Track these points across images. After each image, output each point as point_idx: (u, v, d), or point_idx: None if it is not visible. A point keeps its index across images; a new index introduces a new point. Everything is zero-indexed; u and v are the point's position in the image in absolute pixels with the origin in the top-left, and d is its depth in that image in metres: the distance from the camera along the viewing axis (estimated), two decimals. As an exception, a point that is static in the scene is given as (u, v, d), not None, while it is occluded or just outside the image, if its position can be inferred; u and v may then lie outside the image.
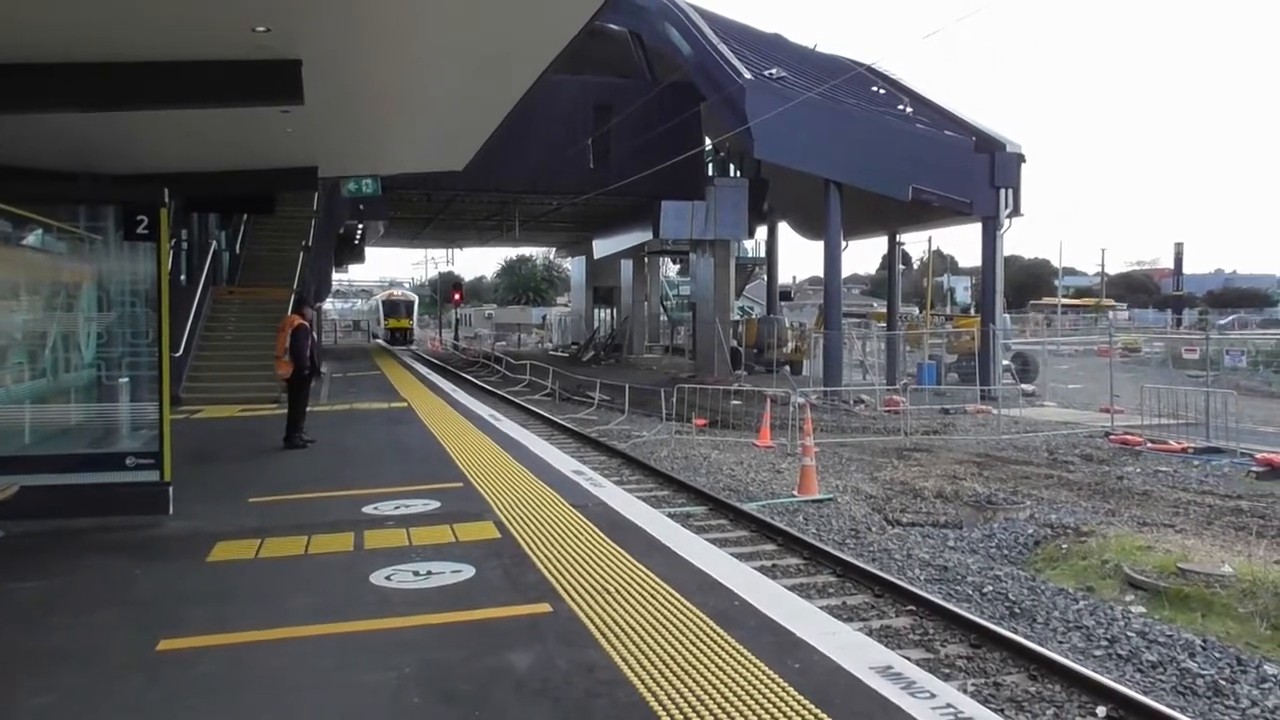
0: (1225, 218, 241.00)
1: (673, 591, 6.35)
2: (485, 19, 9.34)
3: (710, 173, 43.16)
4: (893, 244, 42.26)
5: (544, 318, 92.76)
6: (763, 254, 55.42)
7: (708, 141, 41.24)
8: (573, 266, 74.40)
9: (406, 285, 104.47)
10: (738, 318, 49.04)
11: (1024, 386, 32.42)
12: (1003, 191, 32.53)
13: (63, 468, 9.06)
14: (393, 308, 79.56)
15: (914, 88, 38.13)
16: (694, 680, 4.88)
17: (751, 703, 4.64)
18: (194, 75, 9.58)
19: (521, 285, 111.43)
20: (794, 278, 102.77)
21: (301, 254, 24.97)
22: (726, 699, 4.68)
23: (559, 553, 7.44)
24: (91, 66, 9.26)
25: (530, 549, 7.57)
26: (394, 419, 17.03)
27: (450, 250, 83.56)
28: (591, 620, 5.81)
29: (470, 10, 8.98)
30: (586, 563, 7.13)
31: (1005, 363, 34.37)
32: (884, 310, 46.52)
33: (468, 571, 6.96)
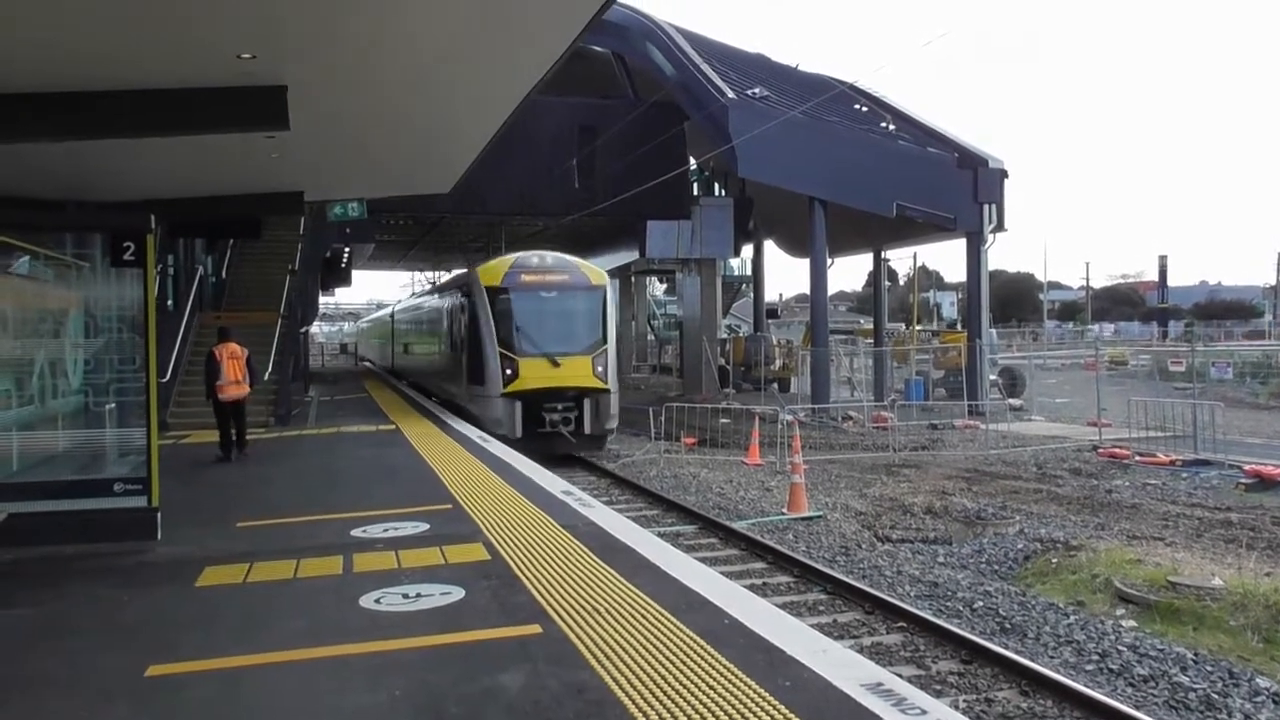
0: (1209, 230, 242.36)
1: (663, 611, 6.34)
2: (469, 44, 9.38)
3: (695, 192, 43.23)
4: (878, 260, 42.40)
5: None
6: (749, 272, 55.54)
7: (692, 161, 41.36)
8: (560, 287, 73.72)
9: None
10: (725, 336, 49.08)
11: (1011, 401, 32.54)
12: (986, 207, 32.68)
13: (51, 494, 9.04)
14: (544, 309, 22.37)
15: (896, 105, 38.35)
16: (685, 700, 4.87)
17: (743, 721, 4.64)
18: (180, 103, 9.61)
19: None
20: (780, 295, 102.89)
21: (288, 278, 24.92)
22: (718, 718, 4.68)
23: (549, 574, 7.43)
24: (77, 96, 9.28)
25: (520, 570, 7.56)
26: (382, 442, 16.99)
27: (438, 272, 71.30)
28: (582, 641, 5.81)
29: (454, 36, 9.02)
30: (576, 583, 7.12)
31: (992, 377, 34.48)
32: (871, 327, 46.62)
33: (457, 593, 6.95)
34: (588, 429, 21.47)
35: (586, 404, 21.38)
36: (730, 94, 32.46)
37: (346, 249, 43.09)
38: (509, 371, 21.02)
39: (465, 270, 28.05)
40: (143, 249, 8.76)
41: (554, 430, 20.89)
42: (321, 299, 51.06)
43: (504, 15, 8.64)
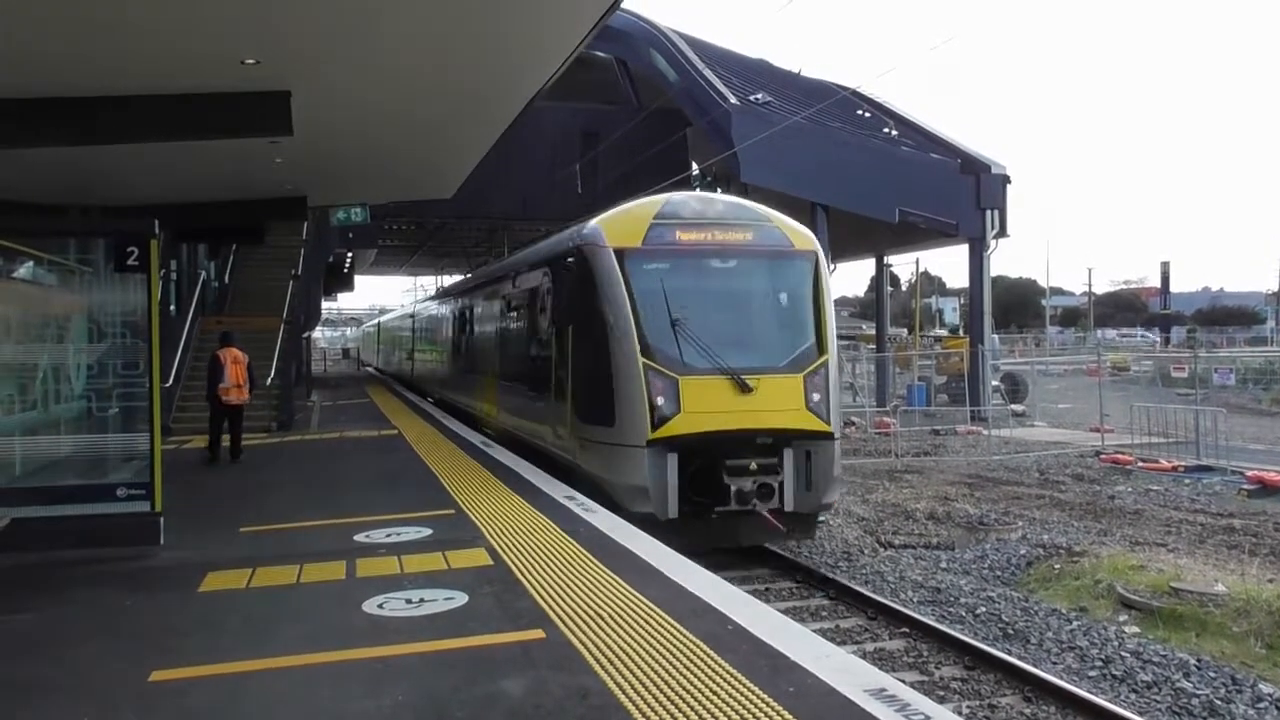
0: (1212, 236, 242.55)
1: (666, 616, 6.34)
2: (473, 52, 9.41)
3: (698, 197, 43.18)
4: (880, 266, 42.39)
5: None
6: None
7: (695, 166, 41.39)
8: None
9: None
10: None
11: (1014, 407, 32.51)
12: (989, 213, 32.70)
13: (54, 499, 9.06)
14: (718, 291, 13.33)
15: (899, 110, 38.37)
16: (688, 705, 4.87)
17: (746, 727, 4.64)
18: (184, 108, 9.65)
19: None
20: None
21: (291, 283, 24.94)
22: (721, 723, 4.68)
23: (552, 579, 7.42)
24: (81, 101, 9.32)
25: (523, 575, 7.56)
26: (384, 447, 16.99)
27: (440, 276, 69.93)
28: (585, 646, 5.80)
29: (457, 43, 9.04)
30: (579, 588, 7.12)
31: (995, 383, 34.48)
32: (873, 332, 46.58)
33: (460, 598, 6.95)
34: (790, 503, 12.31)
35: (789, 458, 12.39)
36: (733, 100, 32.49)
37: (349, 254, 43.19)
38: (660, 401, 11.95)
39: (567, 228, 16.15)
40: (146, 254, 8.77)
41: (743, 509, 11.99)
42: (324, 304, 50.93)
43: (507, 24, 8.66)
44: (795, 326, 12.99)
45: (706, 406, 11.99)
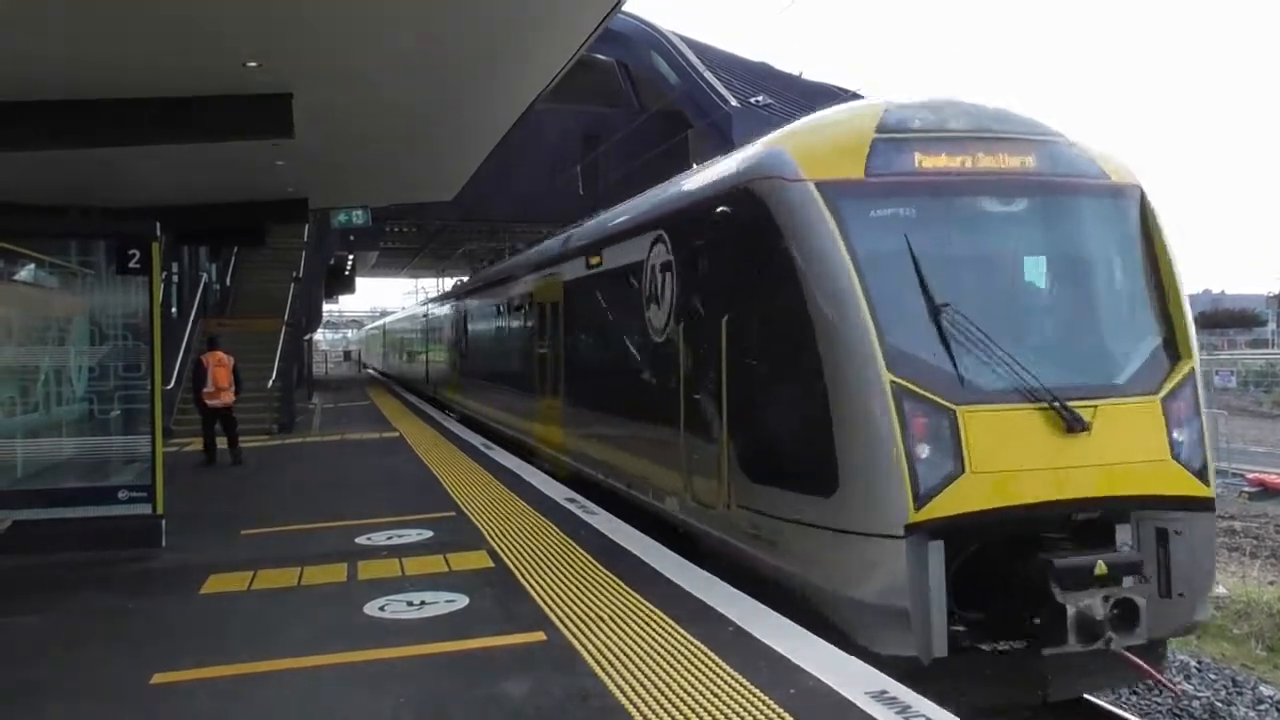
0: (1213, 238, 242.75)
1: (668, 619, 6.33)
2: (474, 55, 9.42)
3: (699, 199, 43.09)
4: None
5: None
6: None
7: (696, 168, 41.38)
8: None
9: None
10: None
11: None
12: (991, 214, 32.58)
13: (56, 502, 9.06)
14: (997, 256, 7.74)
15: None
16: (689, 707, 4.87)
17: (748, 729, 4.64)
18: (184, 111, 9.63)
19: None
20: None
21: (292, 285, 24.93)
22: (722, 725, 4.68)
23: (553, 581, 7.42)
24: (82, 104, 9.30)
25: (524, 577, 7.56)
26: (386, 449, 16.99)
27: (440, 279, 68.34)
28: (586, 648, 5.80)
29: (458, 47, 9.05)
30: (581, 591, 7.11)
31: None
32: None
33: (461, 601, 6.95)
34: (1148, 625, 6.54)
35: (1134, 535, 7.14)
36: (734, 102, 32.51)
37: (350, 256, 43.22)
38: (925, 451, 6.56)
39: (720, 159, 10.00)
40: (148, 256, 8.79)
41: (1089, 647, 6.39)
42: (325, 306, 50.83)
43: (509, 26, 8.66)
44: (1130, 311, 7.81)
45: (1009, 460, 6.76)
